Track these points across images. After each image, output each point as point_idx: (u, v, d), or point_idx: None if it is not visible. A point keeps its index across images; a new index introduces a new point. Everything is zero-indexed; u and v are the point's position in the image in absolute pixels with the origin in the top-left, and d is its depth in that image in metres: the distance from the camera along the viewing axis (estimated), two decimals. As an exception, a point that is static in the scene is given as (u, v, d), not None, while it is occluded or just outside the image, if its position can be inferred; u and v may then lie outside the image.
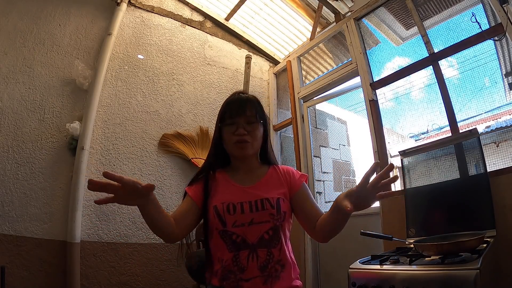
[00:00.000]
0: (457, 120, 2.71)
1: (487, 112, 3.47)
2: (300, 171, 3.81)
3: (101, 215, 2.89)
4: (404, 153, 2.83)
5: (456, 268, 1.49)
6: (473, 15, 2.59)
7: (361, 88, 3.32)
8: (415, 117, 3.64)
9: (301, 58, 4.14)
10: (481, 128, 6.64)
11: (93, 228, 2.83)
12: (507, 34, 2.39)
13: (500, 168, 2.46)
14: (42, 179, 2.71)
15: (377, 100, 3.22)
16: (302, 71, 4.13)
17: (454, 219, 2.32)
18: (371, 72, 3.32)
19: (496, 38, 2.52)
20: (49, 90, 2.91)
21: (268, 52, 4.45)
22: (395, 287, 1.62)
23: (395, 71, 3.15)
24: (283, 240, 1.37)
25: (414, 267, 1.65)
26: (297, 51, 4.17)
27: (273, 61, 4.53)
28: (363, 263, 1.89)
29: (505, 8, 2.36)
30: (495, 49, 3.88)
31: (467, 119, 3.23)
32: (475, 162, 2.42)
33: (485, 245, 1.77)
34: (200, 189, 1.45)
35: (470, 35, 2.64)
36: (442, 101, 2.76)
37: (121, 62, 3.33)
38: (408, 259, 1.75)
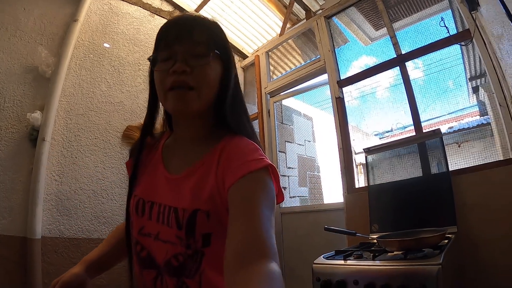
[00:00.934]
0: (421, 120, 2.80)
1: (451, 113, 3.59)
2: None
3: (62, 209, 2.77)
4: (368, 151, 2.89)
5: (419, 264, 1.52)
6: (442, 20, 2.68)
7: (328, 85, 3.37)
8: (380, 115, 3.74)
9: (270, 53, 4.15)
10: (444, 129, 6.91)
11: (55, 223, 2.71)
12: (474, 40, 2.47)
13: (461, 167, 2.55)
14: (1, 171, 2.56)
15: (343, 98, 3.27)
16: (270, 66, 4.15)
17: (416, 216, 2.39)
18: (338, 70, 3.38)
19: (463, 43, 2.62)
20: (10, 77, 2.74)
21: (237, 46, 4.41)
22: (358, 282, 1.64)
23: (363, 70, 3.22)
24: (208, 271, 0.85)
25: (377, 262, 1.69)
26: (266, 46, 4.17)
27: (242, 55, 4.51)
28: (327, 258, 1.91)
29: (473, 14, 2.44)
30: (461, 54, 4.02)
31: (431, 119, 3.34)
32: (438, 161, 2.51)
33: (446, 241, 1.84)
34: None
35: (438, 38, 2.73)
36: (407, 101, 2.84)
37: (86, 50, 3.19)
38: (372, 254, 1.79)
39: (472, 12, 2.42)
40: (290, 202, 4.25)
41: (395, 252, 1.78)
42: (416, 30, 3.00)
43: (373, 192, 2.75)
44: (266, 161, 0.84)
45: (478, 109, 6.40)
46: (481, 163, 2.54)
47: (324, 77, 3.51)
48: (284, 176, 4.37)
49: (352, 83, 3.31)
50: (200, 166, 0.91)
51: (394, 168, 2.80)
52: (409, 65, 2.89)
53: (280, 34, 4.00)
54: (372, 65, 3.17)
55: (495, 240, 2.18)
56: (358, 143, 6.04)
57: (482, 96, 5.42)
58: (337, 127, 3.22)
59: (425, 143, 2.62)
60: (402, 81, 2.88)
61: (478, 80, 5.32)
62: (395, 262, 1.62)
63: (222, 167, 0.86)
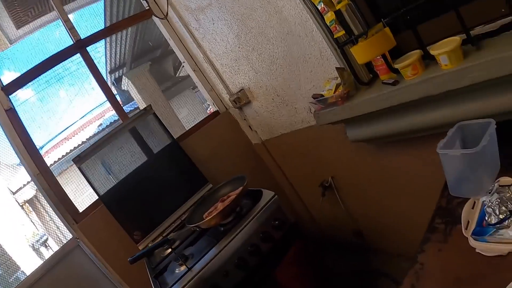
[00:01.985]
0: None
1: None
2: None
3: None
4: (79, 159, 2.41)
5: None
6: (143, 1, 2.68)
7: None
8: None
9: None
10: (92, 130, 6.79)
11: None
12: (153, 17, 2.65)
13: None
14: None
15: (14, 108, 2.55)
16: None
17: (171, 198, 2.36)
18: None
19: (161, 17, 2.68)
20: None
21: None
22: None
23: (36, 65, 2.59)
24: None
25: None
26: None
27: None
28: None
29: None
30: (104, 48, 3.89)
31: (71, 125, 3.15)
32: (157, 136, 2.51)
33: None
34: None
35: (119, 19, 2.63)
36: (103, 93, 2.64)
37: None
38: (215, 240, 1.64)
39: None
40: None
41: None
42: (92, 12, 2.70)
43: (108, 201, 2.37)
44: None
45: (120, 99, 6.63)
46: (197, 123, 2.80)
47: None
48: None
49: (23, 85, 2.62)
50: None
51: (116, 165, 2.48)
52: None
53: None
54: (46, 57, 2.59)
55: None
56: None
57: (126, 85, 5.57)
58: (18, 149, 2.44)
59: (135, 127, 2.48)
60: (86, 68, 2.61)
61: (120, 71, 5.42)
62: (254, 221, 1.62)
63: None
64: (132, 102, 6.33)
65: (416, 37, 1.31)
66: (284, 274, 1.69)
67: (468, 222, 0.95)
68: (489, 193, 0.94)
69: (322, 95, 1.61)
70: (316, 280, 1.84)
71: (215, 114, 2.81)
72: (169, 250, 1.92)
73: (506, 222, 0.85)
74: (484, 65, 1.07)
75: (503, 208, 0.87)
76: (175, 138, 2.51)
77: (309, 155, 2.34)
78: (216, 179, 2.41)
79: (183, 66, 2.85)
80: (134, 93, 5.38)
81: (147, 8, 2.67)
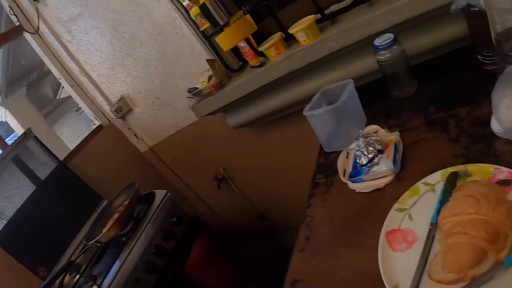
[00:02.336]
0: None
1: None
2: None
3: None
4: None
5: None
6: (11, 9, 2.36)
7: None
8: None
9: None
10: None
11: None
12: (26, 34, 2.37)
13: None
14: None
15: None
16: None
17: (67, 222, 2.21)
18: None
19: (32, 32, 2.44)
20: None
21: None
22: None
23: None
24: None
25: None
26: None
27: None
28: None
29: (36, 6, 2.32)
30: None
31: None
32: (42, 161, 2.33)
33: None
34: None
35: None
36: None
37: None
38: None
39: (34, 2, 2.30)
40: None
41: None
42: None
43: (4, 242, 2.09)
44: None
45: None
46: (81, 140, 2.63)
47: None
48: None
49: None
50: None
51: (3, 200, 2.25)
52: None
53: None
54: None
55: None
56: None
57: (3, 115, 5.18)
58: None
59: (18, 155, 2.29)
60: None
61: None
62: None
63: None
64: (13, 133, 5.82)
65: (277, 22, 1.45)
66: (196, 269, 1.73)
67: (345, 170, 1.06)
68: (356, 139, 1.03)
69: (196, 88, 1.67)
70: (235, 269, 1.89)
71: (98, 128, 2.68)
72: (78, 276, 1.84)
73: (375, 160, 0.96)
74: (337, 35, 1.24)
75: (371, 148, 0.98)
76: (61, 160, 2.36)
77: (198, 152, 2.40)
78: (111, 194, 2.26)
79: (63, 87, 2.67)
80: (13, 123, 4.92)
81: (17, 24, 2.42)
